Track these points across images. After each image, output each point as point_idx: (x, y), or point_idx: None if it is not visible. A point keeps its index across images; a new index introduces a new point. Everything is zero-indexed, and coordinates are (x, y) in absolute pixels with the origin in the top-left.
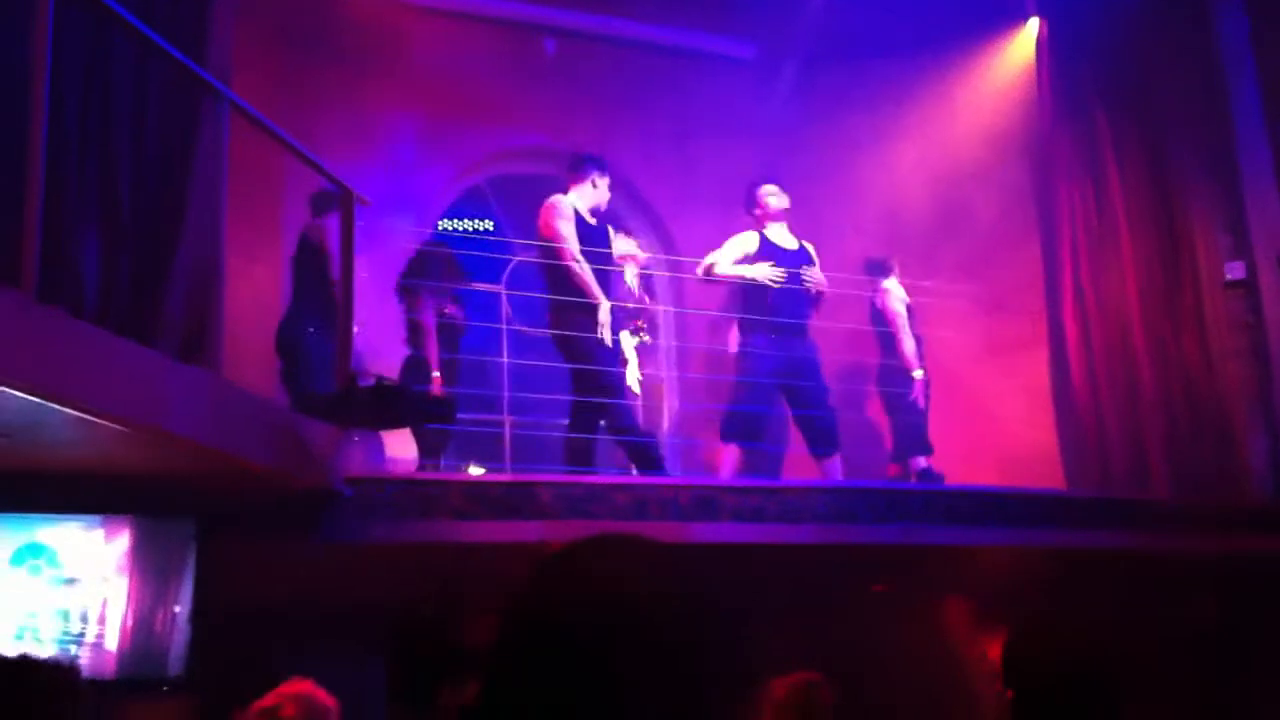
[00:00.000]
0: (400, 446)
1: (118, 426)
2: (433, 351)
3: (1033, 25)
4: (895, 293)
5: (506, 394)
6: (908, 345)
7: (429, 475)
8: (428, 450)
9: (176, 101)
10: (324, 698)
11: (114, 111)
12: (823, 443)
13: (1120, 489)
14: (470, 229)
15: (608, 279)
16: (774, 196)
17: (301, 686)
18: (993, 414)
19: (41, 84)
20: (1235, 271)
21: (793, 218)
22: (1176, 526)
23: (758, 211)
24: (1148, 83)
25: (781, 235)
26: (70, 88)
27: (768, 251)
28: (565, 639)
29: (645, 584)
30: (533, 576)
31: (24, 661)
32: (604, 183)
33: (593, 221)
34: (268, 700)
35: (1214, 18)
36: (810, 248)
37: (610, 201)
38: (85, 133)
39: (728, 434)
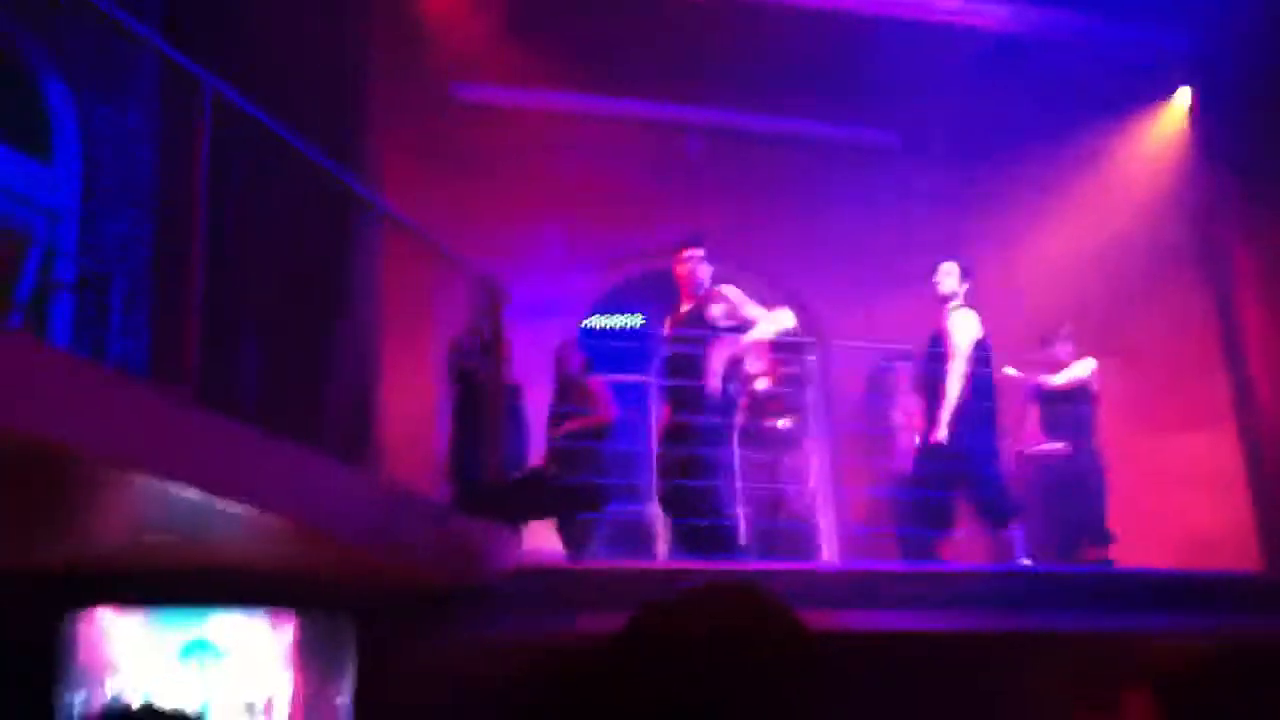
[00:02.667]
0: (544, 539)
1: (279, 523)
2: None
3: (1183, 94)
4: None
5: (655, 483)
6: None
7: (581, 566)
8: (573, 542)
9: (334, 212)
10: None
11: (275, 221)
12: (996, 516)
13: None
14: (621, 324)
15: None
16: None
17: None
18: (1176, 493)
19: (199, 187)
20: None
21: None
22: None
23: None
24: None
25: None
26: (231, 198)
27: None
28: (670, 688)
29: (758, 636)
30: (639, 625)
31: (150, 711)
32: (696, 256)
33: (692, 305)
34: None
35: None
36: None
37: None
38: (246, 243)
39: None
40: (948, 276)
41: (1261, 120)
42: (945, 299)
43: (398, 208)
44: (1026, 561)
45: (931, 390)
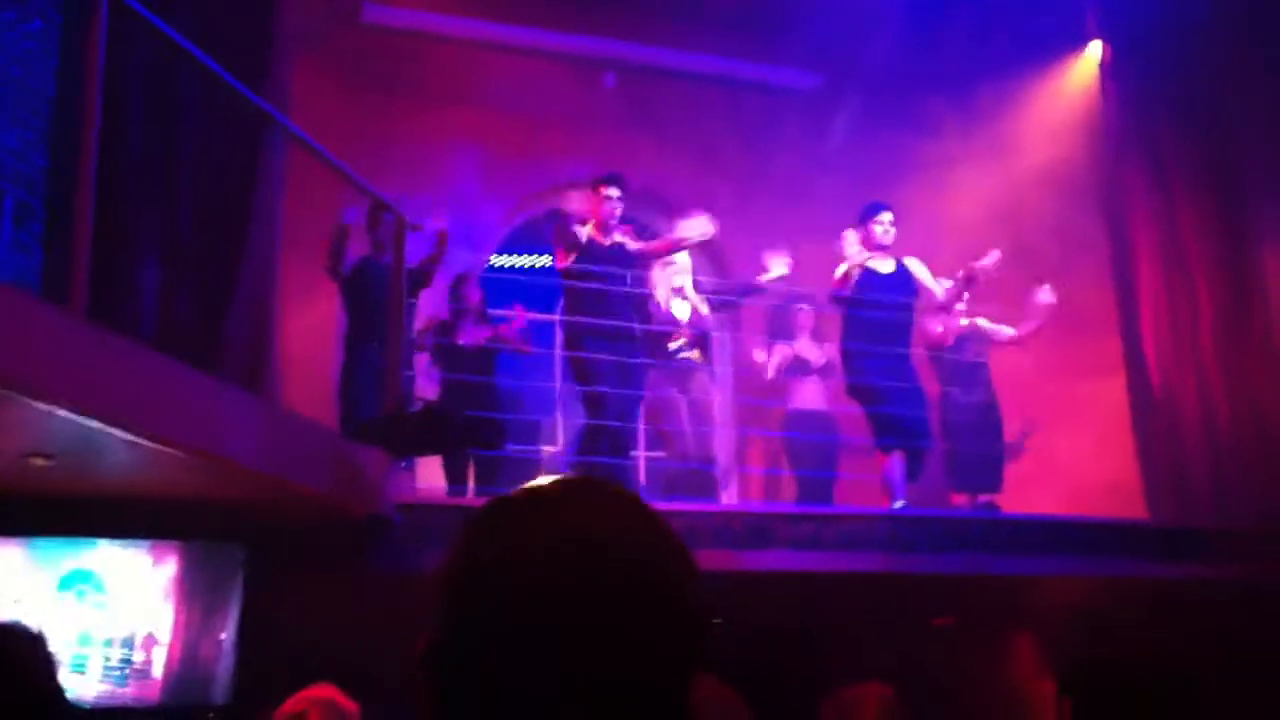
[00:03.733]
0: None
1: (171, 451)
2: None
3: (1094, 48)
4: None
5: (560, 420)
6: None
7: (479, 501)
8: (458, 477)
9: (238, 134)
10: (347, 702)
11: (178, 142)
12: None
13: (1199, 518)
14: (528, 264)
15: (620, 294)
16: (880, 227)
17: (325, 691)
18: (1067, 442)
19: (94, 98)
20: None
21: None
22: (1248, 555)
23: (864, 235)
24: (1217, 104)
25: (880, 263)
26: (134, 116)
27: (864, 278)
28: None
29: (621, 532)
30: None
31: None
32: (614, 195)
33: (608, 240)
34: (291, 706)
35: None
36: (913, 264)
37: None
38: (148, 162)
39: (885, 444)
40: (893, 226)
41: (1167, 79)
42: (886, 246)
43: (306, 128)
44: (900, 504)
45: (894, 334)
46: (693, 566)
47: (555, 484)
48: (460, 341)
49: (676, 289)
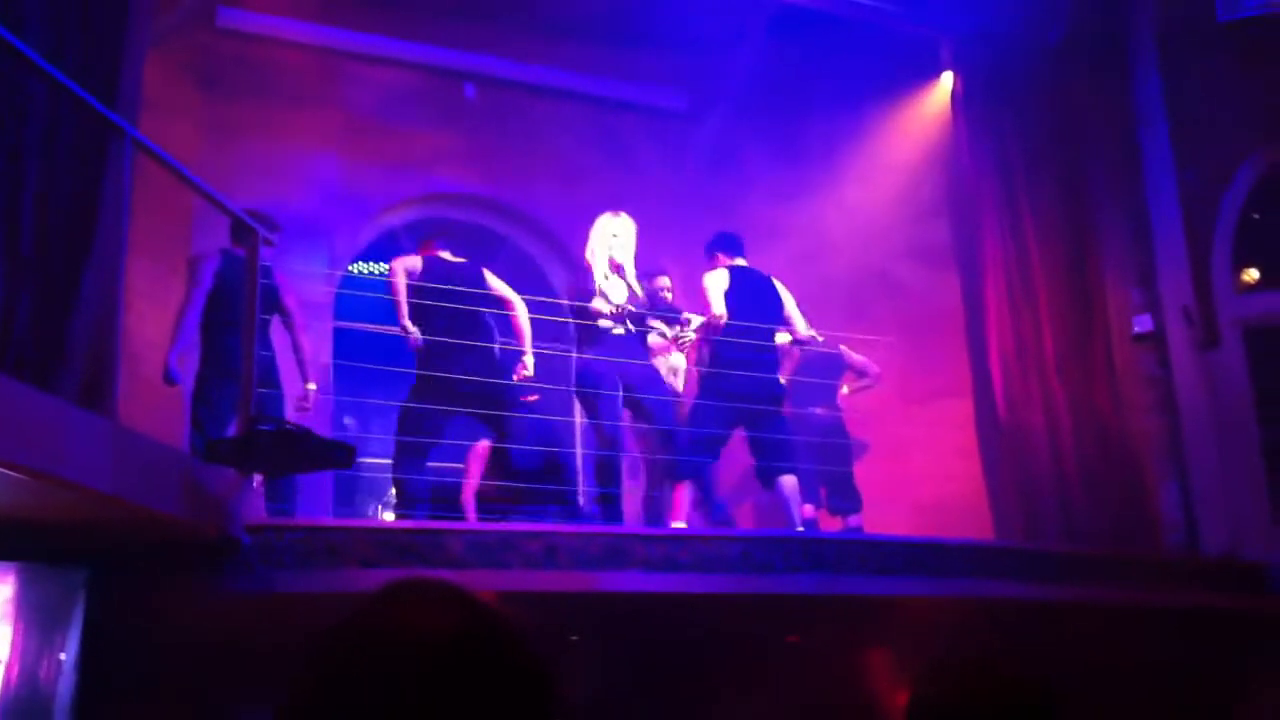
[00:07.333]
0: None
1: (6, 472)
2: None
3: (947, 79)
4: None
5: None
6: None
7: (332, 522)
8: (278, 496)
9: (84, 139)
10: None
11: (22, 146)
12: (768, 480)
13: (1045, 539)
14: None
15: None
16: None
17: None
18: (915, 463)
19: None
20: (1143, 324)
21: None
22: (1091, 578)
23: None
24: (1063, 136)
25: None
26: None
27: (738, 278)
28: (361, 696)
29: (444, 631)
30: (330, 634)
31: None
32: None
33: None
34: None
35: (1130, 74)
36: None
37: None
38: None
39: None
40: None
41: (1016, 109)
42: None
43: (159, 133)
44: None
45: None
46: (520, 657)
47: (376, 599)
48: None
49: (617, 266)
